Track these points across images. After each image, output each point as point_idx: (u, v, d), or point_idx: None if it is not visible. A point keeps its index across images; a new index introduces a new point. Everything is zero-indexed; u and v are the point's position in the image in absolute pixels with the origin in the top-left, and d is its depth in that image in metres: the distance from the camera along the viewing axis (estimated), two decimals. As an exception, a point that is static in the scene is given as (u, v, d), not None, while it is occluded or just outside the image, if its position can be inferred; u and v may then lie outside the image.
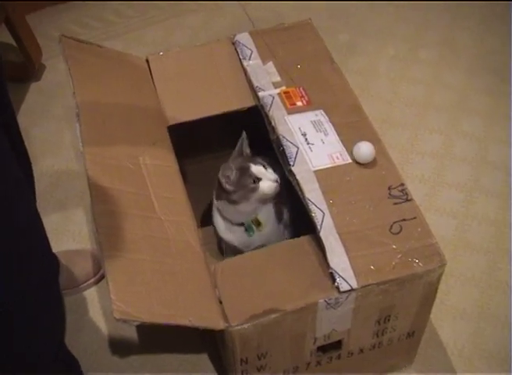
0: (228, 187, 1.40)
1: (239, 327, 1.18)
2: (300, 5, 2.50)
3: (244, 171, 1.39)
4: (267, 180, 1.39)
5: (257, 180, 1.39)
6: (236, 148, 1.47)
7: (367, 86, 2.27)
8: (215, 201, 1.48)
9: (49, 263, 1.48)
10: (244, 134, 1.46)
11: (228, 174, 1.39)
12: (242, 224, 1.47)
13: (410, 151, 2.06)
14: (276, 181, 1.40)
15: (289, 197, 1.43)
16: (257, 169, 1.40)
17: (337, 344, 1.37)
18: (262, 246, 1.45)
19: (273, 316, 1.19)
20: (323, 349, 1.37)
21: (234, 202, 1.42)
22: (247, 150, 1.46)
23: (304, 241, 1.31)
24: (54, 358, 1.30)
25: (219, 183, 1.42)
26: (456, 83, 2.28)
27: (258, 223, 1.47)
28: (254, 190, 1.39)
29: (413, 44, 2.42)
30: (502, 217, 1.89)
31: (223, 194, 1.43)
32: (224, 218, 1.49)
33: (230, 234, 1.51)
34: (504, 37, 2.41)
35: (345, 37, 2.44)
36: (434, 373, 1.59)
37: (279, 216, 1.51)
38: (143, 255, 1.23)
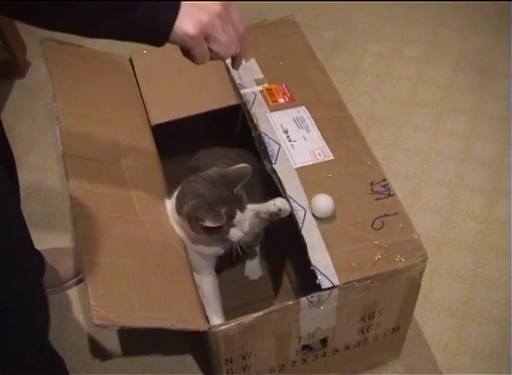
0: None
1: (222, 328, 1.18)
2: (285, 2, 2.50)
3: (231, 214, 1.27)
4: (239, 230, 1.30)
5: (232, 225, 1.29)
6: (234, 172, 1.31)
7: (351, 83, 2.27)
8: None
9: (33, 262, 1.47)
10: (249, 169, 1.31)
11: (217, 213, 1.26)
12: None
13: (394, 148, 2.06)
14: (246, 234, 1.31)
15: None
16: (239, 216, 1.28)
17: (322, 342, 1.37)
18: None
19: (256, 315, 1.19)
20: (308, 347, 1.37)
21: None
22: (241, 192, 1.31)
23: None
24: (37, 356, 1.30)
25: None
26: (441, 80, 2.28)
27: None
28: (224, 233, 1.29)
29: (398, 41, 2.42)
30: (486, 214, 1.89)
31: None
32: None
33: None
34: (490, 37, 2.42)
35: (330, 35, 2.44)
36: (419, 368, 1.59)
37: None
38: (124, 258, 1.21)
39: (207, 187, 1.29)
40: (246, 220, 1.30)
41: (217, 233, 1.28)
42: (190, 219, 1.27)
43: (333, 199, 1.27)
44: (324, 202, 1.27)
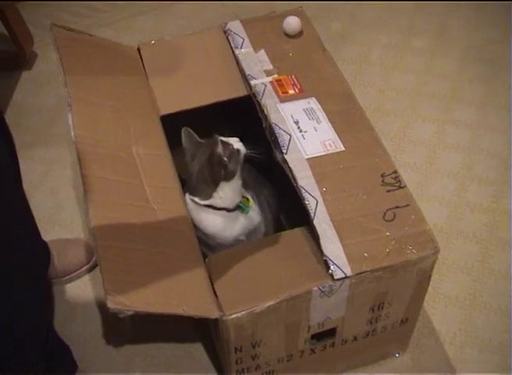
0: (225, 159, 1.36)
1: (233, 316, 1.18)
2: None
3: (223, 143, 1.37)
4: (236, 142, 1.39)
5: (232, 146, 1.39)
6: (187, 145, 1.43)
7: (359, 74, 2.26)
8: (205, 202, 1.41)
9: (38, 252, 1.46)
10: (185, 130, 1.44)
11: (219, 151, 1.35)
12: (237, 207, 1.45)
13: (402, 140, 2.06)
14: (239, 141, 1.40)
15: (282, 188, 1.43)
16: (224, 138, 1.39)
17: (331, 332, 1.37)
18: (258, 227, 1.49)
19: (267, 304, 1.19)
20: (317, 337, 1.37)
21: (231, 176, 1.38)
22: (197, 137, 1.44)
23: (298, 232, 1.32)
24: (43, 345, 1.30)
25: (213, 169, 1.37)
26: (449, 71, 2.28)
27: (247, 199, 1.46)
28: (239, 152, 1.38)
29: (406, 32, 2.42)
30: (495, 205, 1.89)
31: (220, 175, 1.37)
32: (220, 212, 1.43)
33: (231, 227, 1.45)
34: (498, 28, 2.41)
35: (337, 26, 2.43)
36: (427, 360, 1.59)
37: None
38: (136, 244, 1.22)
39: None
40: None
41: (233, 153, 1.37)
42: (212, 162, 1.37)
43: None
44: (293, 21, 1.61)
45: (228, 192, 1.41)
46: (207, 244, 1.47)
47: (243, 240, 1.49)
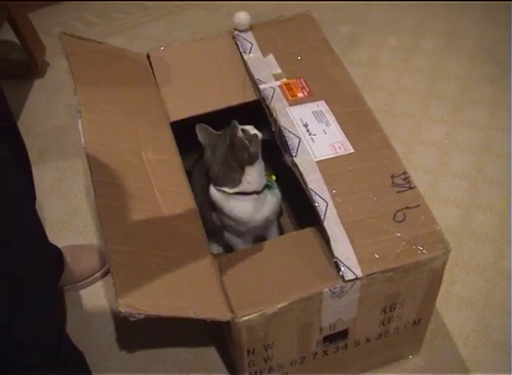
0: (247, 142, 1.38)
1: (245, 318, 1.19)
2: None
3: (242, 131, 1.39)
4: (252, 129, 1.42)
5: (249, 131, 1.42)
6: (205, 139, 1.45)
7: (369, 77, 2.27)
8: (235, 190, 1.43)
9: (47, 258, 1.46)
10: (199, 125, 1.45)
11: (240, 134, 1.38)
12: (265, 187, 1.47)
13: (413, 142, 2.06)
14: (254, 128, 1.43)
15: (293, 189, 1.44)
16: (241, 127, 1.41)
17: (343, 334, 1.37)
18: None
19: (279, 306, 1.20)
20: (329, 339, 1.37)
21: (255, 158, 1.41)
22: (212, 130, 1.45)
23: (308, 232, 1.32)
24: (55, 351, 1.30)
25: (237, 153, 1.39)
26: (459, 73, 2.28)
27: (269, 175, 1.50)
28: (257, 137, 1.41)
29: (415, 34, 2.42)
30: (506, 206, 1.88)
31: (244, 159, 1.39)
32: (251, 196, 1.45)
33: (262, 208, 1.48)
34: (507, 28, 2.40)
35: (347, 29, 2.44)
36: (440, 361, 1.59)
37: None
38: (147, 248, 1.23)
39: None
40: None
41: (253, 139, 1.40)
42: (235, 147, 1.39)
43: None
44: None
45: (255, 175, 1.43)
46: (237, 231, 1.53)
47: (272, 219, 1.54)
